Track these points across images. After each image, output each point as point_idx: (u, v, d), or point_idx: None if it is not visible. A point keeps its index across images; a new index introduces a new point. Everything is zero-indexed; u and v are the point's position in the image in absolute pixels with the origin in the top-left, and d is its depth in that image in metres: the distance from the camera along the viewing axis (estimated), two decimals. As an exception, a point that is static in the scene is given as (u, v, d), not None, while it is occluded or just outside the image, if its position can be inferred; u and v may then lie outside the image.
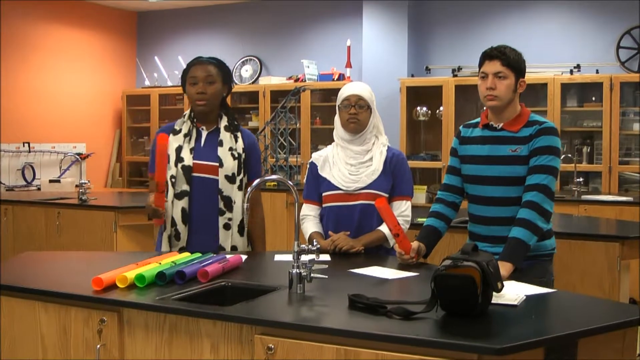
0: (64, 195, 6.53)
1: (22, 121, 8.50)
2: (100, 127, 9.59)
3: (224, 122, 3.47)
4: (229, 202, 3.39)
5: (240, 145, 3.45)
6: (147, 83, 9.72)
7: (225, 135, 3.44)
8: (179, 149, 3.39)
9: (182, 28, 9.77)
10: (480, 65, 3.03)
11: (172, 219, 3.36)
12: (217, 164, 3.38)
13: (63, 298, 2.54)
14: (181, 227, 3.36)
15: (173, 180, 3.36)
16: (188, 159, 3.38)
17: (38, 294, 2.59)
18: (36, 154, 8.54)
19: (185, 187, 3.36)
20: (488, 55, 3.00)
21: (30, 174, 8.43)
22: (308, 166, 3.58)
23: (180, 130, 3.43)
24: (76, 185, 6.91)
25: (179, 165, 3.37)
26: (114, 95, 9.71)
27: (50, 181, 7.60)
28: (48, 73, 8.88)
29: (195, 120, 3.45)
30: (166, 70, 9.55)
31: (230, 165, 3.40)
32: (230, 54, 9.19)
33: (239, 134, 3.48)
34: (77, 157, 7.30)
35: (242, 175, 3.43)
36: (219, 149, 3.41)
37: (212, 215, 3.38)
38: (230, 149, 3.42)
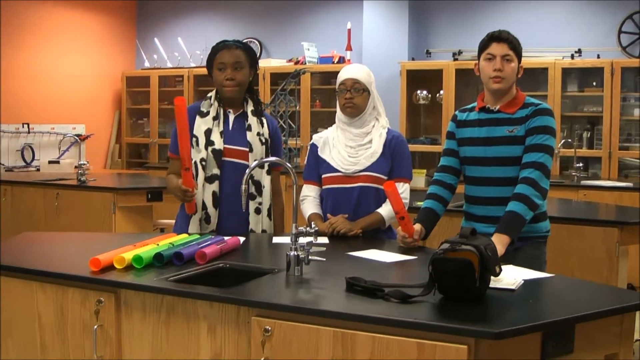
0: (63, 176, 6.51)
1: (22, 102, 8.46)
2: (100, 108, 9.56)
3: (250, 106, 3.45)
4: (259, 187, 3.39)
5: (266, 130, 3.44)
6: (146, 64, 9.66)
7: (252, 120, 3.42)
8: (208, 132, 3.35)
9: (182, 9, 9.69)
10: (485, 47, 3.07)
11: (203, 202, 3.33)
12: (247, 149, 3.37)
13: (60, 278, 2.54)
14: (212, 211, 3.33)
15: (203, 163, 3.33)
16: (218, 142, 3.34)
17: (36, 274, 2.59)
18: (35, 135, 8.52)
19: (216, 171, 3.33)
20: (496, 38, 3.04)
21: (29, 155, 8.40)
22: (309, 147, 3.57)
23: (207, 113, 3.38)
24: (75, 167, 6.88)
25: (209, 148, 3.33)
26: (113, 76, 9.67)
27: (50, 162, 7.57)
28: (48, 54, 8.83)
29: (222, 103, 3.42)
30: (166, 52, 9.48)
31: (259, 150, 3.38)
32: (230, 36, 9.01)
33: (264, 119, 3.47)
34: (77, 138, 7.26)
35: None
36: (248, 133, 3.39)
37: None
38: (258, 133, 3.40)
